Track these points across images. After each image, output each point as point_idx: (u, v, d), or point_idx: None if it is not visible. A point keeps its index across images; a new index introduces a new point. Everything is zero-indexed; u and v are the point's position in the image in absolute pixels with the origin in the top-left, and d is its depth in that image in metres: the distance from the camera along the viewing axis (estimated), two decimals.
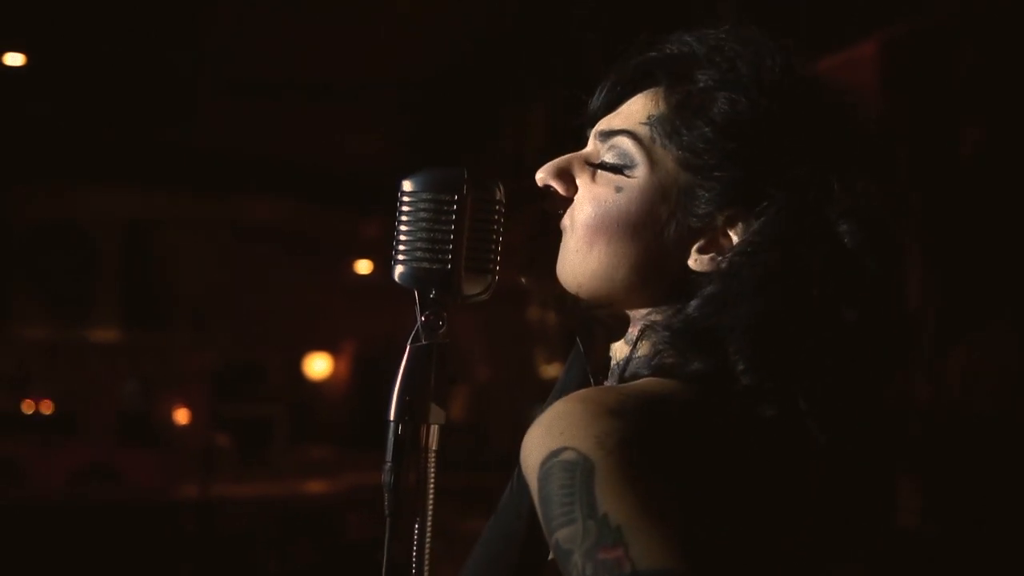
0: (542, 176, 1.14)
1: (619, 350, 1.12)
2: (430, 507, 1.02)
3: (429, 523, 1.03)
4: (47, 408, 14.39)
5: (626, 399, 0.95)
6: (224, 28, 7.86)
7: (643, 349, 1.07)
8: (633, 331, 1.10)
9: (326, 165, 11.85)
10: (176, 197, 13.57)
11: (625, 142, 1.10)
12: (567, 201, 1.13)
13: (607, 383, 1.11)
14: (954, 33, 4.35)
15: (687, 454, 0.94)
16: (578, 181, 1.12)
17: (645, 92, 1.13)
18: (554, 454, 0.89)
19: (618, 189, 1.08)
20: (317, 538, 9.27)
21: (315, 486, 11.99)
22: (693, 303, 1.04)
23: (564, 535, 0.86)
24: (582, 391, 0.98)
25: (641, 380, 1.02)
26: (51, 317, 14.49)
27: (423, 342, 1.04)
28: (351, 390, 16.01)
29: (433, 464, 1.03)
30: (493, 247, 1.04)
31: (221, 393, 13.64)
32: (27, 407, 14.34)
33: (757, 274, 1.02)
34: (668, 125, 1.09)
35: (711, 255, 1.06)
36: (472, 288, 1.04)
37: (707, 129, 1.07)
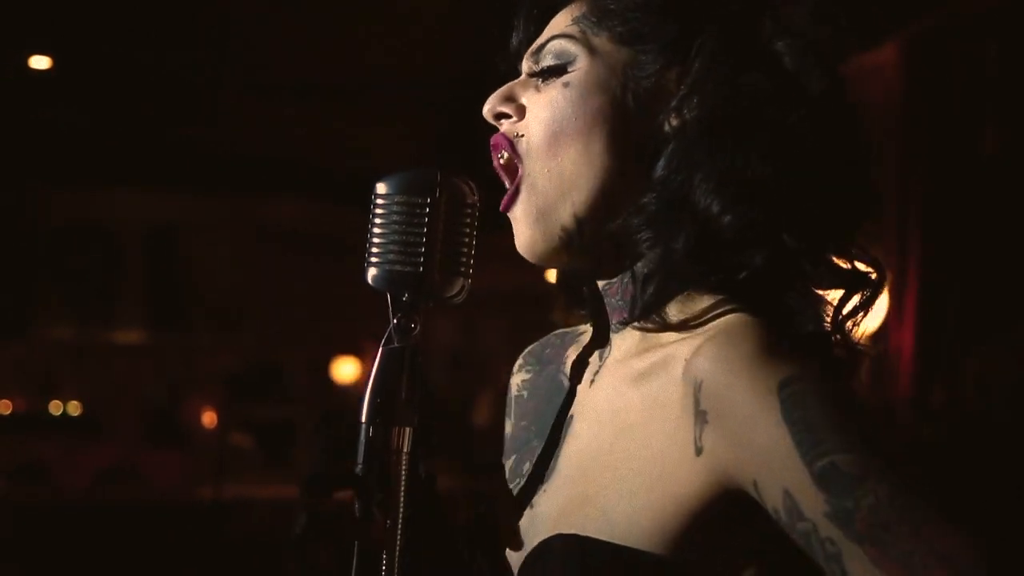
0: (489, 106, 1.11)
1: (611, 267, 1.08)
2: (401, 509, 1.02)
3: (400, 525, 1.02)
4: (74, 409, 14.50)
5: (786, 335, 0.96)
6: (248, 30, 7.89)
7: (642, 255, 1.03)
8: (627, 240, 1.05)
9: (350, 167, 11.87)
10: (200, 199, 13.64)
11: (558, 43, 1.08)
12: (512, 134, 1.09)
13: (616, 320, 1.08)
14: (977, 32, 4.31)
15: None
16: (524, 100, 1.09)
17: (563, 9, 1.11)
18: (793, 379, 0.90)
19: (565, 85, 1.06)
20: (338, 542, 9.27)
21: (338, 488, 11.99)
22: (659, 164, 1.02)
23: (846, 460, 0.86)
24: (752, 327, 0.96)
25: (732, 317, 0.99)
26: (76, 319, 14.61)
27: (395, 345, 1.03)
28: None
29: (405, 466, 1.02)
30: (467, 249, 1.04)
31: (244, 395, 13.71)
32: (55, 408, 14.45)
33: (703, 114, 1.01)
34: (594, 15, 1.07)
35: (672, 112, 1.04)
36: (446, 290, 1.03)
37: None
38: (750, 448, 0.90)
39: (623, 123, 1.05)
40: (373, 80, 8.90)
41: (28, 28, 7.70)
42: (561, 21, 1.10)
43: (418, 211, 1.01)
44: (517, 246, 1.09)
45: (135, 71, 8.61)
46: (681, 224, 1.00)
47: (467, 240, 1.04)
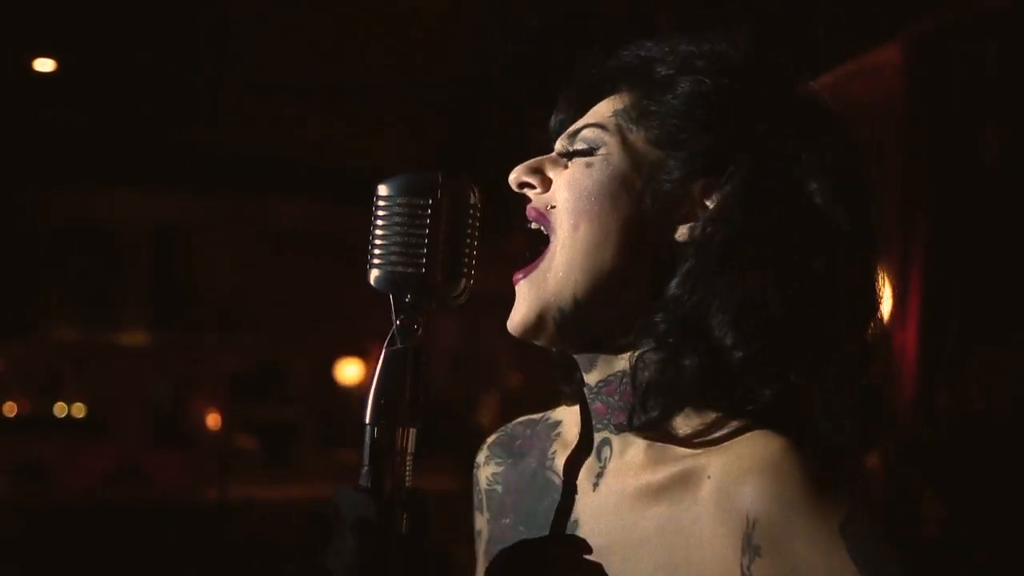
0: (515, 176, 1.13)
1: (607, 364, 1.09)
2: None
3: (404, 527, 1.02)
4: (79, 411, 14.52)
5: (823, 464, 0.96)
6: (249, 31, 7.88)
7: (647, 366, 1.03)
8: (626, 340, 1.06)
9: (352, 167, 11.86)
10: (204, 200, 13.64)
11: (591, 132, 1.10)
12: (543, 206, 1.11)
13: (615, 422, 1.08)
14: (979, 34, 4.31)
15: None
16: (551, 175, 1.12)
17: (608, 97, 1.13)
18: (853, 519, 0.92)
19: (588, 165, 1.08)
20: None
21: None
22: (674, 280, 1.03)
23: None
24: (794, 458, 0.96)
25: (756, 436, 0.99)
26: (80, 320, 14.61)
27: (398, 346, 1.03)
28: None
29: (410, 467, 1.02)
30: (469, 250, 1.04)
31: (248, 396, 13.71)
32: (59, 410, 14.47)
33: (728, 240, 1.01)
34: (634, 111, 1.09)
35: (691, 224, 1.05)
36: (448, 291, 1.04)
37: (675, 102, 1.07)
38: None
39: (639, 220, 1.06)
40: (374, 81, 8.90)
41: (30, 29, 7.70)
42: (602, 110, 1.12)
43: (420, 212, 1.02)
44: (509, 319, 1.11)
45: (137, 72, 8.61)
46: (692, 348, 1.00)
47: (469, 241, 1.04)
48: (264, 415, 14.20)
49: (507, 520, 1.19)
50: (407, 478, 1.01)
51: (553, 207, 1.10)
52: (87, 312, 14.65)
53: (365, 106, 9.57)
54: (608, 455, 1.09)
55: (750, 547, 0.93)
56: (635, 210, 1.06)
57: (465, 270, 1.04)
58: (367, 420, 1.01)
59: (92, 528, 9.15)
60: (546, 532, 1.11)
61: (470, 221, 1.04)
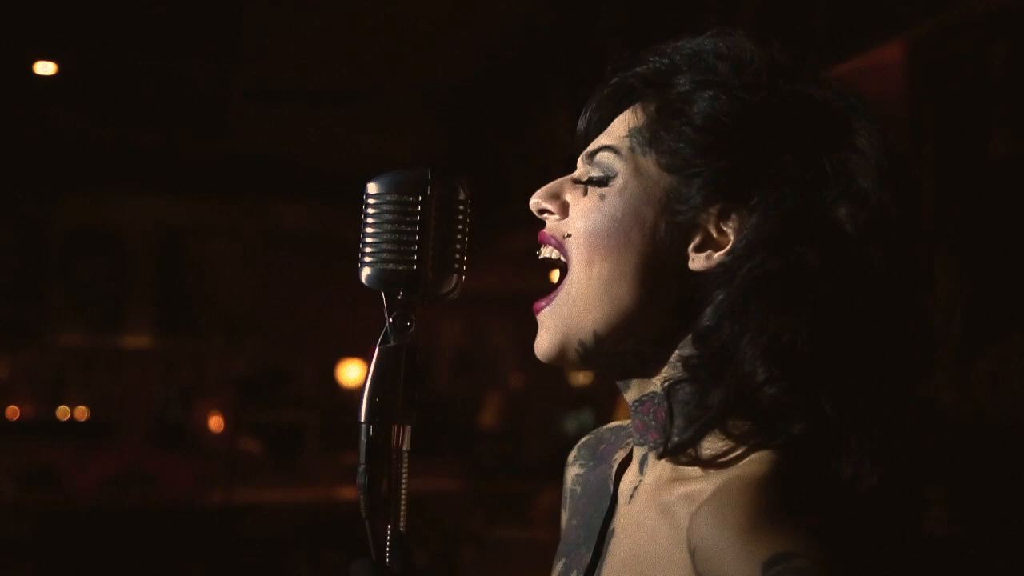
0: (535, 201, 1.14)
1: (640, 386, 1.09)
2: (403, 508, 1.02)
3: (402, 524, 1.03)
4: (82, 415, 14.54)
5: (799, 495, 0.94)
6: (255, 36, 7.90)
7: (678, 394, 1.03)
8: (657, 371, 1.07)
9: (359, 172, 11.85)
10: (209, 204, 13.66)
11: (606, 156, 1.09)
12: (560, 234, 1.12)
13: (651, 439, 1.08)
14: (985, 32, 4.30)
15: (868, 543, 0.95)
16: (569, 200, 1.12)
17: (628, 108, 1.12)
18: (783, 558, 0.87)
19: (602, 197, 1.08)
20: (349, 544, 9.28)
21: (347, 493, 12.02)
22: (707, 311, 1.01)
23: None
24: (755, 486, 0.94)
25: (753, 460, 0.99)
26: (85, 324, 14.62)
27: (392, 344, 1.03)
28: None
29: (405, 465, 1.02)
30: (460, 246, 1.05)
31: (253, 399, 13.71)
32: (62, 414, 14.49)
33: (757, 275, 1.00)
34: (647, 132, 1.08)
35: (707, 253, 1.04)
36: (440, 287, 1.05)
37: (686, 128, 1.06)
38: None
39: (654, 254, 1.06)
40: (381, 85, 8.92)
41: (37, 33, 7.73)
42: (619, 126, 1.11)
43: (410, 209, 1.03)
44: (535, 348, 1.12)
45: (144, 76, 8.64)
46: (723, 381, 1.00)
47: (460, 237, 1.05)
48: (270, 418, 14.21)
49: (575, 522, 1.21)
50: (404, 476, 1.01)
51: (569, 236, 1.10)
52: (93, 316, 14.67)
53: (371, 110, 9.60)
54: (646, 470, 1.09)
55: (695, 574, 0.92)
56: (650, 244, 1.06)
57: (456, 266, 1.05)
58: (362, 419, 1.01)
59: (97, 532, 9.17)
60: (594, 538, 1.13)
61: (460, 217, 1.05)
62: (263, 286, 14.21)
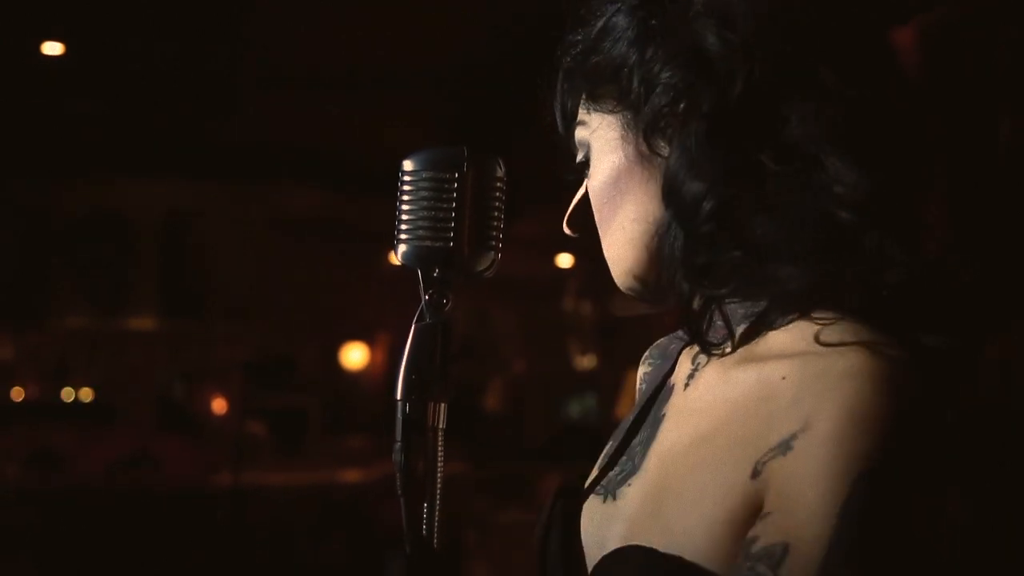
0: (567, 231, 1.18)
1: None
2: (439, 486, 1.02)
3: (438, 502, 1.03)
4: (86, 396, 14.56)
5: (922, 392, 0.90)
6: (262, 19, 7.89)
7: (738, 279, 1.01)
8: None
9: (363, 155, 11.87)
10: (214, 188, 13.66)
11: (577, 133, 1.13)
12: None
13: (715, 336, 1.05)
14: (994, 19, 4.29)
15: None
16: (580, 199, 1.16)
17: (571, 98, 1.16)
18: (874, 474, 0.86)
19: (592, 177, 1.11)
20: (352, 527, 9.32)
21: (350, 475, 12.05)
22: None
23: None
24: (859, 378, 0.90)
25: (845, 332, 0.94)
26: (90, 307, 14.64)
27: (428, 321, 1.03)
28: (386, 380, 16.08)
29: (441, 442, 1.03)
30: (496, 223, 1.04)
31: (257, 383, 13.73)
32: (66, 396, 14.51)
33: (686, 134, 1.01)
34: (584, 92, 1.11)
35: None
36: (476, 265, 1.04)
37: (597, 59, 1.08)
38: (794, 495, 0.88)
39: (642, 180, 1.07)
40: (386, 69, 8.91)
41: (44, 14, 7.71)
42: (574, 111, 1.15)
43: (447, 186, 1.02)
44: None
45: (150, 60, 8.62)
46: (776, 252, 0.98)
47: (496, 215, 1.05)
48: (273, 402, 14.23)
49: (632, 415, 1.20)
50: (439, 455, 1.01)
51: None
52: (97, 299, 14.68)
53: (376, 94, 9.58)
54: (702, 361, 1.08)
55: (783, 443, 0.90)
56: (633, 180, 1.07)
57: (492, 243, 1.04)
58: (398, 396, 1.01)
59: (101, 514, 9.19)
60: (641, 426, 1.14)
61: (497, 194, 1.05)
62: (267, 270, 14.22)
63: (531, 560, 1.13)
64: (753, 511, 0.91)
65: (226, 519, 9.51)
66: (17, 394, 14.44)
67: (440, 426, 1.02)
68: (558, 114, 1.17)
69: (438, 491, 1.02)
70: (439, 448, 1.02)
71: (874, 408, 0.88)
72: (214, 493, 10.63)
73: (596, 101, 1.09)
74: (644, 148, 1.05)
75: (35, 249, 14.14)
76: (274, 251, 14.21)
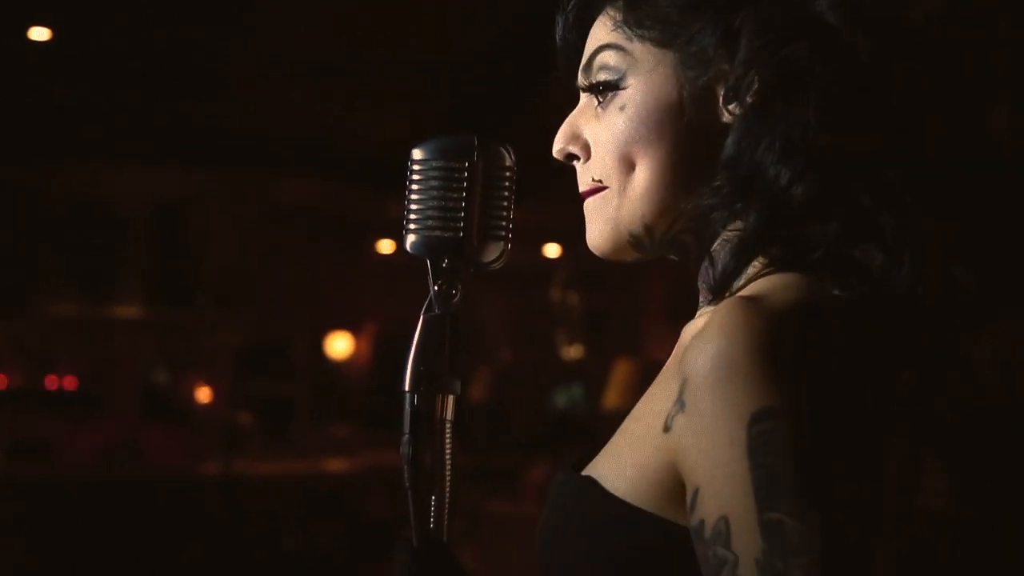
0: (558, 148, 1.11)
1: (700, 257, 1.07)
2: (448, 478, 1.01)
3: (447, 494, 1.02)
4: (71, 384, 14.50)
5: (810, 329, 0.90)
6: (253, 7, 7.85)
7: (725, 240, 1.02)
8: (714, 240, 1.04)
9: (352, 145, 11.85)
10: (203, 176, 13.61)
11: (604, 56, 1.07)
12: (593, 181, 1.09)
13: (702, 299, 1.06)
14: (988, 10, 4.29)
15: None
16: (587, 132, 1.09)
17: (599, 15, 1.10)
18: (769, 414, 0.85)
19: (622, 108, 1.06)
20: (339, 515, 9.33)
21: (337, 464, 12.05)
22: (726, 144, 1.01)
23: (795, 528, 0.83)
24: (744, 320, 0.89)
25: (763, 281, 0.97)
26: (77, 294, 14.58)
27: (436, 312, 1.02)
28: (373, 369, 16.07)
29: (450, 435, 1.01)
30: (505, 213, 1.03)
31: (244, 371, 13.71)
32: (51, 383, 14.44)
33: (756, 88, 1.00)
34: (632, 19, 1.06)
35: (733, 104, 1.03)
36: (486, 255, 1.03)
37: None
38: (707, 460, 0.88)
39: (687, 128, 1.04)
40: (377, 58, 8.87)
41: (30, 0, 7.66)
42: (601, 31, 1.09)
43: (456, 176, 1.01)
44: (587, 240, 1.09)
45: (141, 45, 8.57)
46: (752, 201, 0.98)
47: (505, 204, 1.04)
48: (261, 391, 14.21)
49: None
50: (448, 446, 1.00)
51: (598, 179, 1.08)
52: (85, 286, 14.62)
53: (367, 84, 9.55)
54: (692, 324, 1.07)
55: (680, 400, 0.91)
56: (680, 122, 1.04)
57: (502, 233, 1.04)
58: (406, 388, 1.00)
59: (87, 502, 9.16)
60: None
61: (506, 184, 1.04)
62: (255, 258, 14.18)
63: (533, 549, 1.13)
64: (664, 464, 0.92)
65: (214, 507, 9.50)
66: (1, 382, 14.37)
67: (448, 418, 1.01)
68: (572, 15, 1.13)
69: (447, 484, 1.01)
70: (447, 440, 1.01)
71: (740, 355, 0.87)
72: (201, 481, 10.62)
73: (640, 27, 1.06)
74: (704, 97, 1.04)
75: (22, 236, 14.07)
76: (263, 240, 14.17)
